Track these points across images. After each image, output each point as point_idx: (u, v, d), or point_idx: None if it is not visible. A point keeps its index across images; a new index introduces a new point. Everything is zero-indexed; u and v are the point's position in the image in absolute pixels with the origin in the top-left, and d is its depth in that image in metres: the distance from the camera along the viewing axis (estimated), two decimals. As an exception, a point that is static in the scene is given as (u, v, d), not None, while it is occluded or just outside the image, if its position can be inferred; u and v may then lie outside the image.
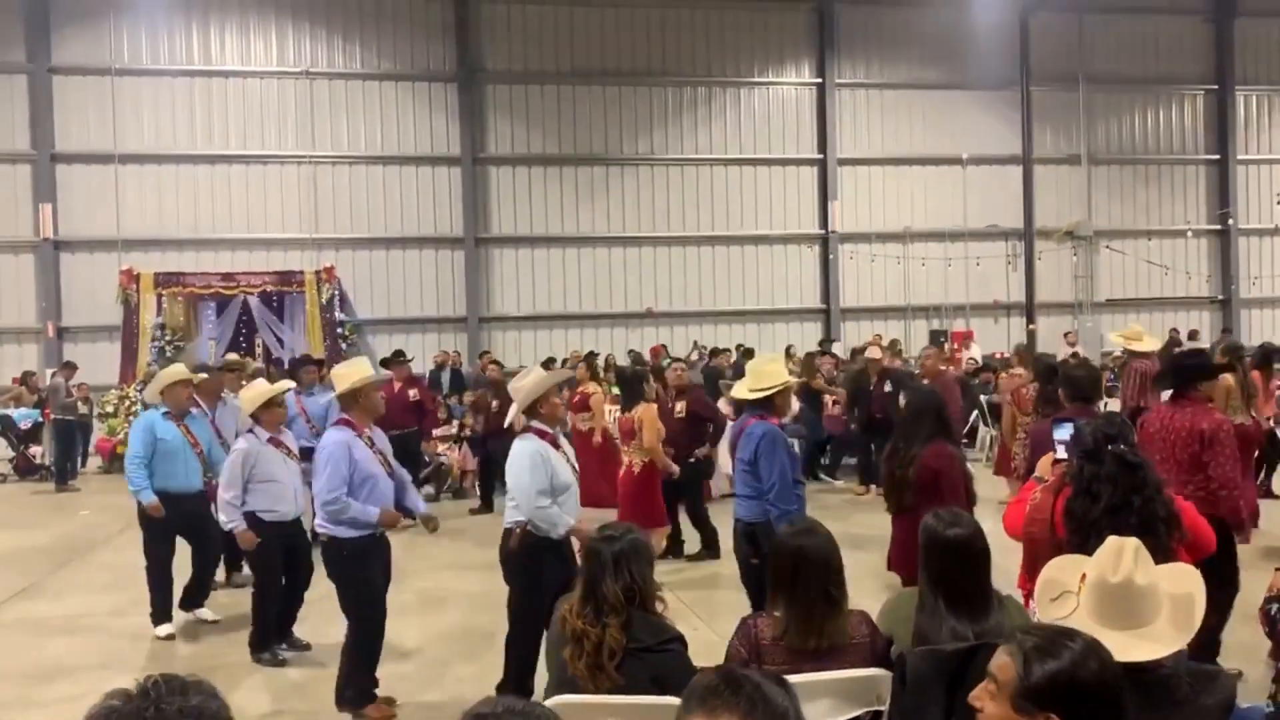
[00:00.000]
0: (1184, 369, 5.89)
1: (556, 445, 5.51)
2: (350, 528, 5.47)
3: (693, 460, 9.27)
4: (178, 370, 7.81)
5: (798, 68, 21.88)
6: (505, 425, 8.72)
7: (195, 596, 7.53)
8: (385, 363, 12.37)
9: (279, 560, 6.66)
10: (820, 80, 21.72)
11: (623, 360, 17.84)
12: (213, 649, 7.01)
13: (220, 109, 19.55)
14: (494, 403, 12.29)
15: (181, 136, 19.36)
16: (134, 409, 16.37)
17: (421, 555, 9.14)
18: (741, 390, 6.00)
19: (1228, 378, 8.94)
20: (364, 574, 5.56)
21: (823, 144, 21.74)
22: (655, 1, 21.10)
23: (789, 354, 18.74)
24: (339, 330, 18.55)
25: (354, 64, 20.10)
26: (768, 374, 5.88)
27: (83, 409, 15.86)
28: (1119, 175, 23.24)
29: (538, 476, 5.24)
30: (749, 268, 21.65)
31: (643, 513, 7.96)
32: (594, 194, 21.04)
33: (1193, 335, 21.51)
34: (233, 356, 13.43)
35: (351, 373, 5.81)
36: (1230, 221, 23.16)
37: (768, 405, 5.82)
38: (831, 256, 21.64)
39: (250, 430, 6.69)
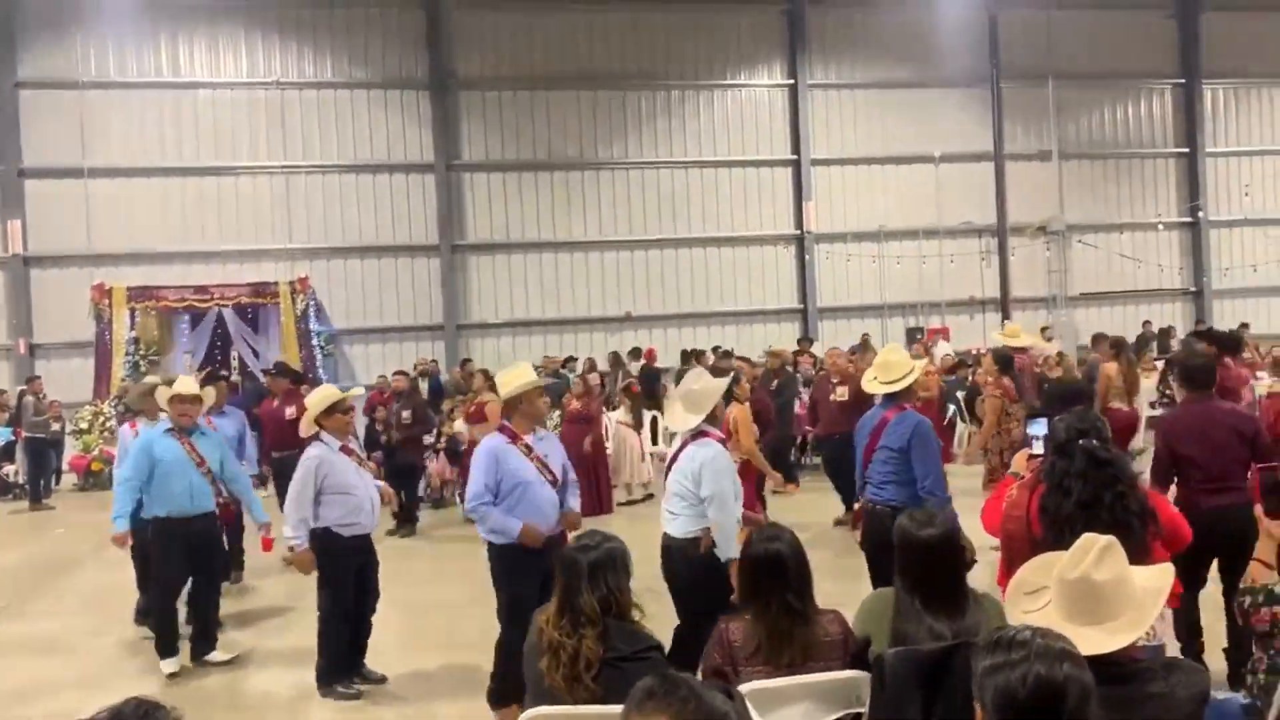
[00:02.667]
0: None
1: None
2: (500, 536, 5.39)
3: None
4: (184, 383, 7.14)
5: (770, 70, 21.95)
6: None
7: (201, 643, 6.84)
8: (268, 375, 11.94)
9: (351, 580, 6.15)
10: (793, 81, 21.80)
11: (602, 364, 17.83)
12: (230, 680, 6.68)
13: (191, 121, 19.43)
14: (404, 413, 11.37)
15: (152, 149, 19.22)
16: (109, 425, 16.23)
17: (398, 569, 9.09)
18: (874, 384, 5.99)
19: (1110, 366, 9.76)
20: (511, 586, 5.39)
21: (796, 145, 21.81)
22: (626, 6, 21.12)
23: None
24: (314, 341, 18.46)
25: (326, 74, 20.02)
26: (897, 365, 5.87)
27: (55, 426, 15.70)
28: (1090, 170, 23.44)
29: (730, 483, 5.27)
30: (726, 269, 21.70)
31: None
32: (570, 199, 21.03)
33: (1167, 331, 21.70)
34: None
35: (514, 378, 5.61)
36: (1200, 214, 23.40)
37: (905, 395, 5.81)
38: (807, 256, 21.72)
39: (317, 437, 6.18)
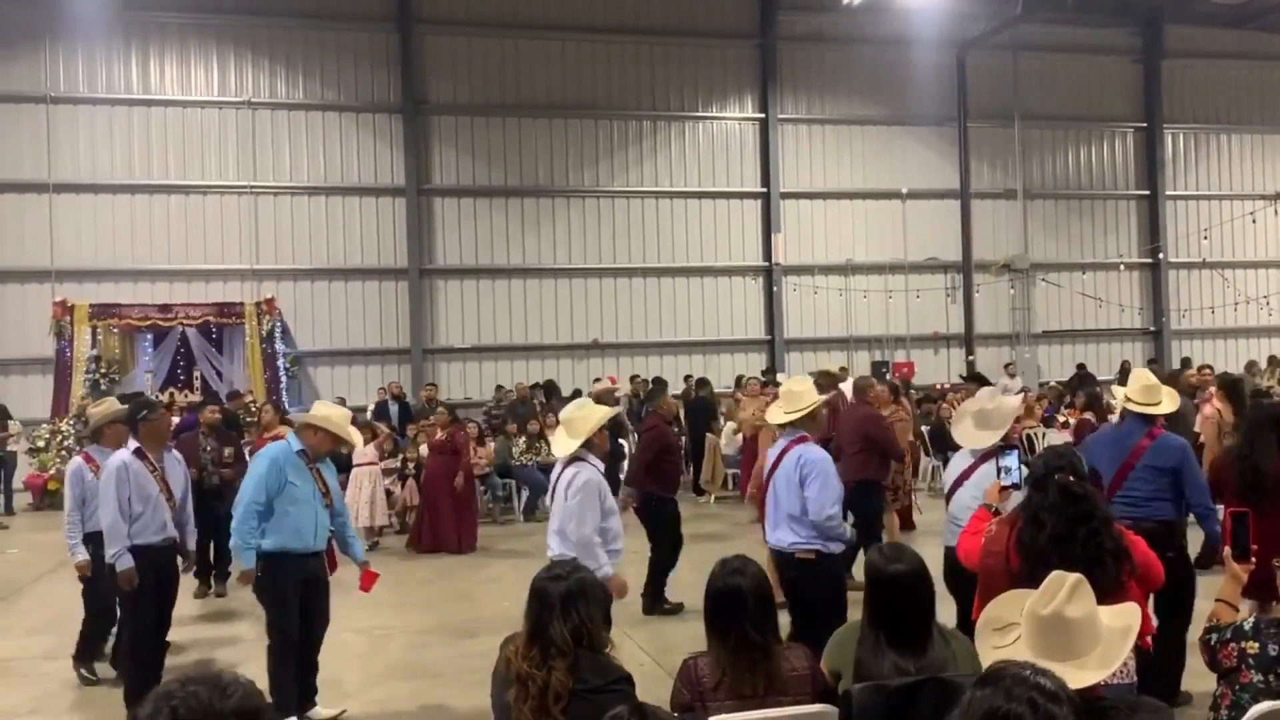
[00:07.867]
0: None
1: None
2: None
3: None
4: (345, 413, 6.23)
5: (741, 103, 22.14)
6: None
7: (308, 693, 5.98)
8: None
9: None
10: (763, 115, 21.99)
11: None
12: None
13: (160, 138, 19.26)
14: (225, 450, 9.77)
15: (119, 165, 19.02)
16: (66, 444, 15.96)
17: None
18: (1131, 405, 6.25)
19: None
20: None
21: (766, 178, 21.97)
22: (600, 36, 21.24)
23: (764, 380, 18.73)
24: (279, 362, 18.31)
25: (297, 94, 19.93)
26: (1158, 389, 6.19)
27: (11, 446, 15.41)
28: (1054, 209, 23.80)
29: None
30: (694, 299, 21.75)
31: None
32: (539, 225, 21.03)
33: (1124, 367, 22.01)
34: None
35: (804, 391, 6.05)
36: (1160, 255, 23.81)
37: (1169, 420, 6.25)
38: (775, 288, 21.84)
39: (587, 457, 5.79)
